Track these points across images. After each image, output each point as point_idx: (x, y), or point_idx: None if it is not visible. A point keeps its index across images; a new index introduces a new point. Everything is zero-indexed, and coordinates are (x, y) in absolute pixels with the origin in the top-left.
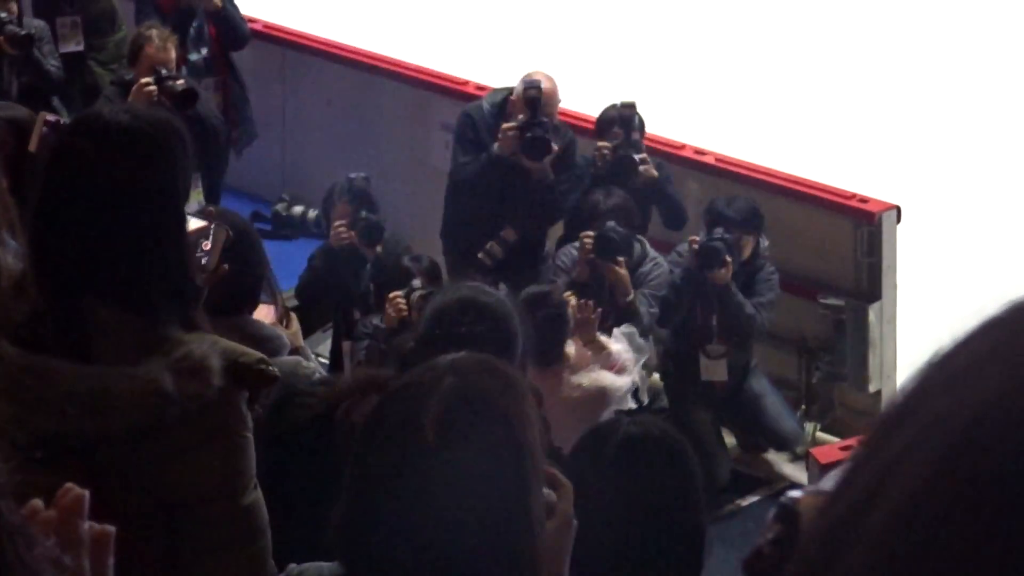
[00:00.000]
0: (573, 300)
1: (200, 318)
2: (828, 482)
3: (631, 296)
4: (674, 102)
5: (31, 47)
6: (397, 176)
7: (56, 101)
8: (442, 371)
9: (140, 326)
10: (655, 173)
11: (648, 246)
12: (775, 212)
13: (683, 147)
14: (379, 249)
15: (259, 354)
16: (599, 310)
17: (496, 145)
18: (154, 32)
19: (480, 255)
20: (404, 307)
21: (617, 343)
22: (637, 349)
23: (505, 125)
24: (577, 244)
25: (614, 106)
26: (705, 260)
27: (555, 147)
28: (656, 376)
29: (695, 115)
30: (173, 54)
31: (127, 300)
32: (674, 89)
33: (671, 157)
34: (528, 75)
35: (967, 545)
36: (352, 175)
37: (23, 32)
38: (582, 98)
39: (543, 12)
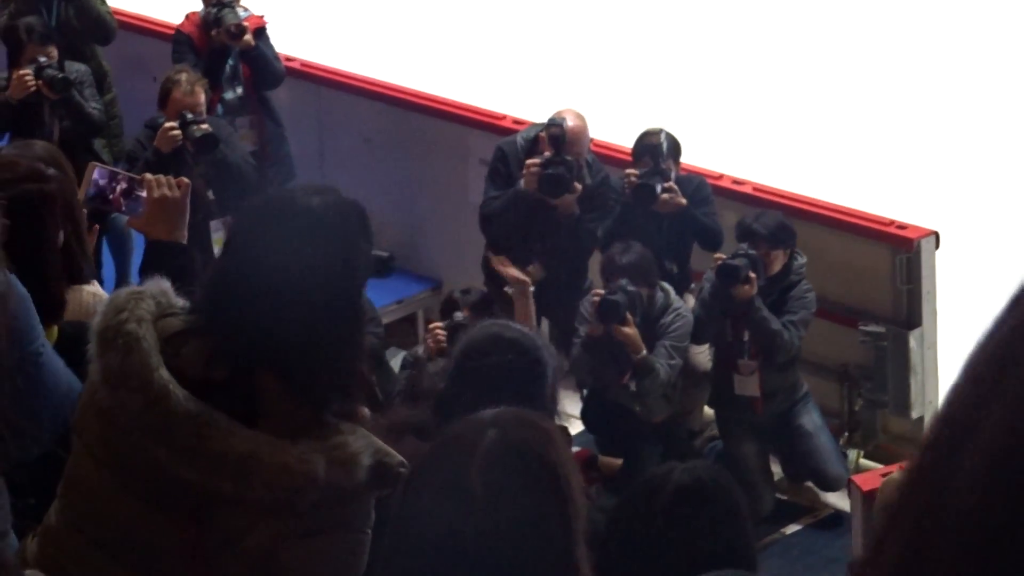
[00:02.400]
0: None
1: (360, 409)
2: None
3: (642, 353)
4: (712, 132)
5: (70, 90)
6: (436, 211)
7: (97, 144)
8: (484, 425)
9: (304, 406)
10: (682, 201)
11: (672, 295)
12: (813, 240)
13: (721, 177)
14: None
15: (401, 457)
16: None
17: (521, 181)
18: (183, 76)
19: (506, 290)
20: (443, 338)
21: None
22: None
23: (529, 161)
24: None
25: (644, 133)
26: (725, 279)
27: (578, 185)
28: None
29: (733, 145)
30: (202, 98)
31: (296, 379)
32: (712, 119)
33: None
34: (557, 112)
35: None
36: None
37: (60, 75)
38: (620, 130)
39: (581, 45)
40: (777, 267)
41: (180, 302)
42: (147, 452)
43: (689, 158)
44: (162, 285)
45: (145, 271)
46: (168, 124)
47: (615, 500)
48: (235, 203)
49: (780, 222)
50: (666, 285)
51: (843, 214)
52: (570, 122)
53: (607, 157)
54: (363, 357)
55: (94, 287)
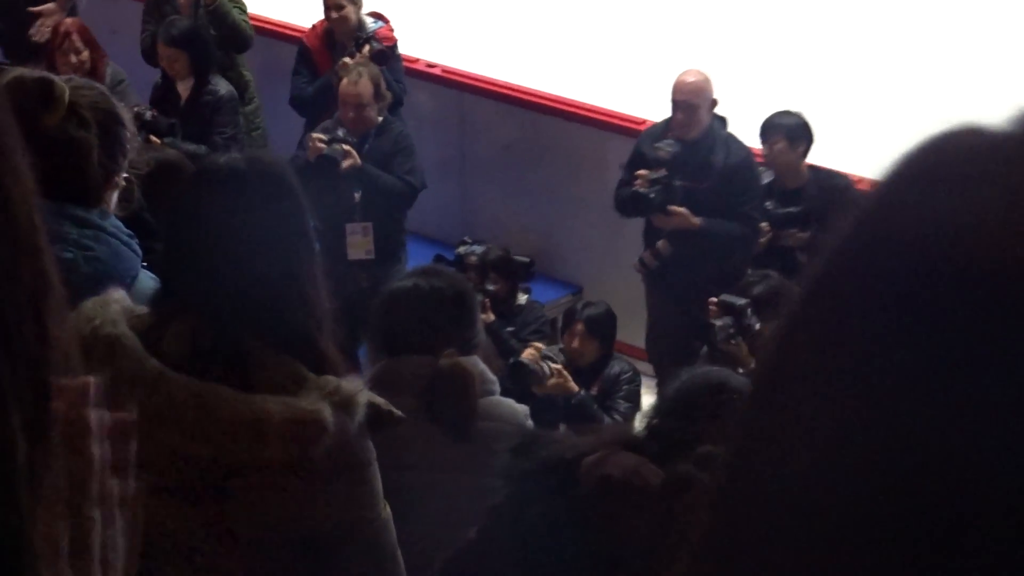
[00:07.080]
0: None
1: (334, 356)
2: None
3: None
4: (841, 127)
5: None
6: (576, 217)
7: None
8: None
9: (290, 361)
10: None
11: None
12: None
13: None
14: None
15: (386, 401)
16: None
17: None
18: (352, 66)
19: (635, 264)
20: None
21: None
22: None
23: (637, 172)
24: None
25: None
26: None
27: (678, 208)
28: None
29: (856, 141)
30: (368, 88)
31: (276, 336)
32: (845, 112)
33: None
34: (680, 78)
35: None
36: None
37: (152, 119)
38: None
39: (719, 47)
40: None
41: (140, 308)
42: (156, 439)
43: (816, 157)
44: (119, 292)
45: None
46: (315, 135)
47: None
48: (381, 212)
49: None
50: None
51: None
52: (689, 78)
53: None
54: (324, 303)
55: None
